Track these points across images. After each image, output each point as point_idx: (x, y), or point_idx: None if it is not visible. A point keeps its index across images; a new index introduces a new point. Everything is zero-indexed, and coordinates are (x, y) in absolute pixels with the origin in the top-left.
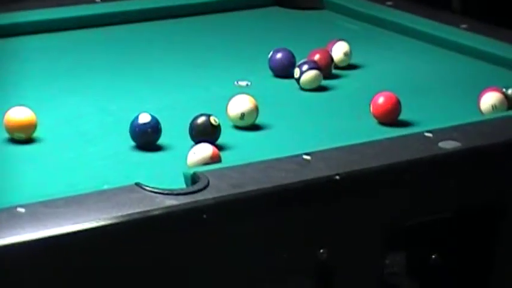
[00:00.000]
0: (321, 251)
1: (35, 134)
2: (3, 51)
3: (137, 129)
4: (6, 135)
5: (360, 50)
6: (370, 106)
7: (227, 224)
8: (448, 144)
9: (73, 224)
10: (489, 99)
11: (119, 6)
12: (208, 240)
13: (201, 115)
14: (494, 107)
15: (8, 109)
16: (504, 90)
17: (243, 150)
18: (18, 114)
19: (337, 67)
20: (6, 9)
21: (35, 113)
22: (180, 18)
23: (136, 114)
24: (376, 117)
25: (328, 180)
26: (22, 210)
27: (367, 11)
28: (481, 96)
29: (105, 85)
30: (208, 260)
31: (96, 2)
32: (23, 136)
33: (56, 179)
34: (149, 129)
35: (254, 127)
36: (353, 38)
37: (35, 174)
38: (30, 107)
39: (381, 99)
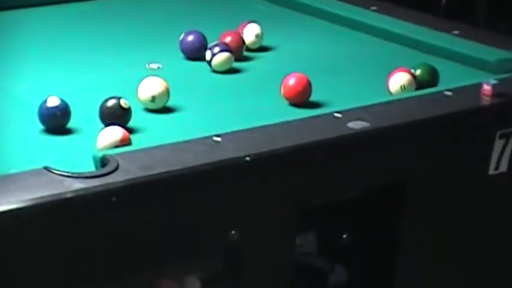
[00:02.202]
0: (232, 232)
1: None
2: None
3: (45, 112)
4: None
5: (271, 32)
6: (281, 87)
7: (136, 206)
8: (357, 125)
9: None
10: (398, 80)
11: None
12: (118, 223)
13: (111, 98)
14: (403, 88)
15: None
16: (413, 70)
17: (154, 133)
18: None
19: (248, 49)
20: None
21: None
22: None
23: (44, 97)
24: (286, 98)
25: (239, 162)
26: None
27: None
28: (390, 76)
29: (13, 68)
30: (118, 243)
31: None
32: None
33: None
34: (58, 112)
35: (165, 110)
36: (264, 20)
37: None
38: None
39: (291, 81)
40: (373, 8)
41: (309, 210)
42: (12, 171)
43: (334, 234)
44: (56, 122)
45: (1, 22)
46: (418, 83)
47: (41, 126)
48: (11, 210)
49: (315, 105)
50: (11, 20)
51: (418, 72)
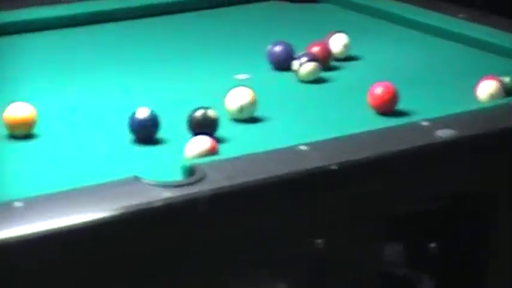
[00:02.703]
0: (318, 241)
1: (34, 130)
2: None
3: (136, 123)
4: (6, 132)
5: (358, 41)
6: (367, 96)
7: (223, 215)
8: (444, 133)
9: (69, 216)
10: (486, 88)
11: (116, 3)
12: (205, 232)
13: (199, 108)
14: (492, 96)
15: (7, 106)
16: (501, 78)
17: (241, 143)
18: (17, 111)
19: (335, 59)
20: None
21: (35, 108)
22: (179, 13)
23: (135, 109)
24: (373, 107)
25: (325, 171)
26: (20, 204)
27: (365, 2)
28: (478, 84)
29: (104, 80)
30: (204, 252)
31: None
32: (22, 132)
33: (55, 173)
34: (147, 123)
35: (252, 119)
36: (351, 29)
37: (34, 169)
38: (30, 103)
39: (377, 90)
40: (461, 15)
41: (396, 219)
42: (103, 180)
43: (422, 244)
44: (146, 132)
45: (92, 39)
46: (507, 91)
47: (131, 137)
48: (102, 219)
49: (402, 113)
50: (101, 35)
51: (506, 79)
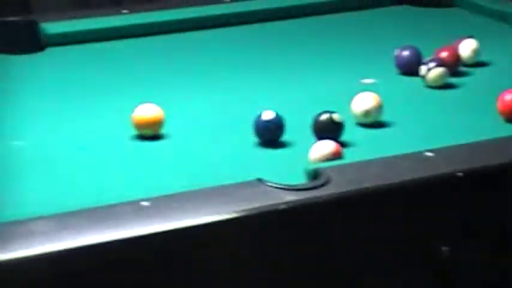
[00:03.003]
0: (443, 248)
1: (162, 131)
2: (131, 50)
3: (261, 125)
4: (135, 132)
5: (487, 46)
6: (496, 103)
7: (346, 220)
8: None
9: (193, 217)
10: None
11: (243, 7)
12: (329, 235)
13: (324, 112)
14: None
15: (137, 106)
16: None
17: (366, 147)
18: (147, 111)
19: (464, 64)
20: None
21: (163, 110)
22: (306, 17)
23: (260, 112)
24: (503, 114)
25: (450, 177)
26: (146, 204)
27: (495, 7)
28: None
29: (230, 83)
30: (327, 256)
31: (223, 2)
32: (150, 132)
33: (180, 173)
34: (272, 126)
35: (378, 124)
36: (481, 34)
37: (161, 169)
38: (157, 104)
39: (508, 96)
40: None
41: None
42: (227, 182)
43: None
44: (270, 135)
45: (219, 42)
46: None
47: (255, 139)
48: (225, 220)
49: None
50: (227, 38)
51: None
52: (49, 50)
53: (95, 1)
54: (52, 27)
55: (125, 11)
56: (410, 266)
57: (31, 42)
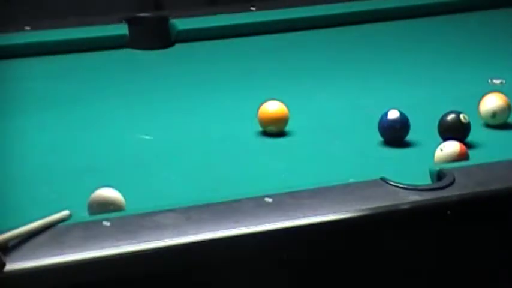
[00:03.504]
0: None
1: (286, 128)
2: (258, 47)
3: (386, 125)
4: (260, 129)
5: None
6: None
7: (471, 222)
8: None
9: (316, 215)
10: None
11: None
12: (451, 237)
13: (451, 112)
14: None
15: (262, 103)
16: None
17: (493, 149)
18: (272, 108)
19: None
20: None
21: (287, 108)
22: (430, 16)
23: (385, 111)
24: None
25: None
26: (269, 200)
27: None
28: None
29: (355, 82)
30: (444, 258)
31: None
32: (274, 129)
33: (303, 170)
34: (398, 125)
35: (506, 126)
36: None
37: (284, 165)
38: (283, 102)
39: None
40: None
41: None
42: (351, 180)
43: None
44: (395, 134)
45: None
46: None
47: (381, 138)
48: (348, 218)
49: None
50: (355, 36)
51: None
52: (178, 46)
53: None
54: (182, 23)
55: (253, 8)
56: None
57: (161, 38)
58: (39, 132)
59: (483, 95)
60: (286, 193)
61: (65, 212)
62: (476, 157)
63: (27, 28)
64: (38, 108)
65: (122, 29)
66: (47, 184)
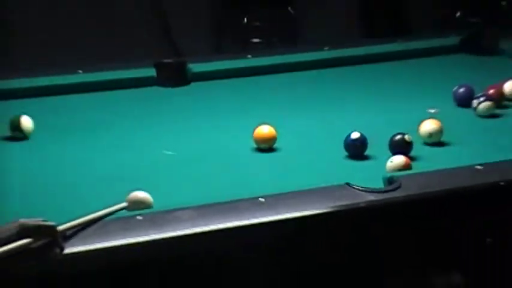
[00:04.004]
0: (488, 240)
1: (275, 145)
2: (255, 85)
3: (350, 143)
4: (255, 146)
5: None
6: None
7: (415, 218)
8: None
9: (298, 211)
10: None
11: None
12: (399, 231)
13: (398, 133)
14: None
15: (257, 126)
16: None
17: (430, 161)
18: (264, 130)
19: (507, 99)
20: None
21: (276, 130)
22: (384, 62)
23: (349, 132)
24: None
25: (495, 185)
26: (263, 200)
27: None
28: None
29: (328, 111)
30: (392, 246)
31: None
32: (266, 146)
33: (288, 177)
34: (358, 143)
35: (440, 144)
36: None
37: (274, 174)
38: (272, 124)
39: None
40: None
41: None
42: (323, 185)
43: None
44: (357, 150)
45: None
46: None
47: (346, 153)
48: (320, 214)
49: None
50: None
51: None
52: (194, 84)
53: (226, 48)
54: (196, 67)
55: (249, 56)
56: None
57: (180, 78)
58: (87, 149)
59: (422, 120)
60: (275, 194)
61: (121, 205)
62: (417, 167)
63: (80, 72)
64: (87, 131)
65: (151, 72)
66: (93, 187)
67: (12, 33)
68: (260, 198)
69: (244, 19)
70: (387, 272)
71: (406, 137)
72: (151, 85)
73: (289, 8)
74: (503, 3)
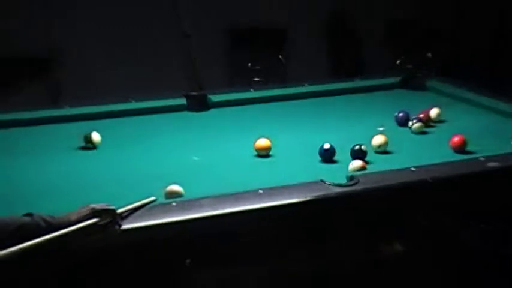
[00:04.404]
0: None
1: (270, 153)
2: (261, 111)
3: (322, 151)
4: (255, 153)
5: (446, 112)
6: (449, 141)
7: (369, 204)
8: (493, 164)
9: (286, 199)
10: None
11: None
12: (357, 213)
13: (356, 145)
14: None
15: (257, 139)
16: None
17: (379, 165)
18: (262, 142)
19: (433, 121)
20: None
21: (271, 142)
22: (340, 95)
23: (322, 143)
24: (452, 148)
25: (425, 181)
26: (261, 191)
27: (451, 91)
28: None
29: (308, 130)
30: (355, 227)
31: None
32: (263, 153)
33: (279, 176)
34: (329, 152)
35: (386, 152)
36: (444, 105)
37: (270, 173)
38: (268, 137)
39: (456, 138)
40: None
41: None
42: (303, 181)
43: None
44: (328, 157)
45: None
46: None
47: (320, 159)
48: (300, 202)
49: (469, 152)
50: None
51: None
52: (213, 110)
53: (236, 84)
54: (214, 97)
55: (252, 90)
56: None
57: (203, 105)
58: (139, 156)
59: (373, 136)
60: (270, 188)
61: (152, 198)
62: (370, 169)
63: (133, 101)
64: (138, 143)
65: (182, 101)
66: (142, 182)
67: (73, 71)
68: (259, 191)
69: (248, 64)
70: (348, 243)
71: (362, 147)
72: (182, 110)
73: (280, 56)
74: (429, 54)
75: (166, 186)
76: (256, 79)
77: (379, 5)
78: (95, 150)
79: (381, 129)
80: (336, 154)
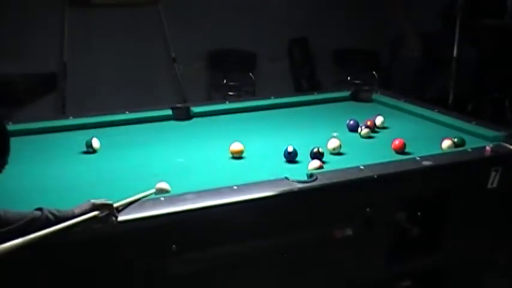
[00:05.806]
0: (367, 209)
1: (243, 155)
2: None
3: (286, 154)
4: (230, 155)
5: (389, 120)
6: (391, 144)
7: (326, 197)
8: (427, 162)
9: (256, 193)
10: (446, 143)
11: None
12: (316, 204)
13: (315, 147)
14: (449, 147)
15: (232, 143)
16: (453, 139)
17: (333, 164)
18: (236, 146)
19: (378, 127)
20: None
21: (244, 145)
22: (302, 106)
23: (286, 147)
24: (394, 150)
25: (371, 178)
26: (235, 187)
27: (394, 103)
28: (442, 142)
29: (275, 136)
30: (313, 217)
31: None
32: (237, 156)
33: (250, 174)
34: (292, 154)
35: (339, 154)
36: (387, 115)
37: (243, 172)
38: (241, 142)
39: (396, 142)
40: (436, 110)
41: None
42: (270, 178)
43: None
44: (291, 158)
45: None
46: (456, 145)
47: (284, 160)
48: (269, 195)
49: (407, 153)
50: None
51: (456, 140)
52: (195, 119)
53: (214, 98)
54: (196, 109)
55: (227, 102)
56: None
57: (186, 115)
58: (132, 159)
59: (328, 140)
60: (243, 184)
61: (152, 190)
62: (326, 167)
63: (127, 112)
64: (133, 148)
65: (169, 112)
66: (136, 180)
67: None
68: (234, 187)
69: (224, 80)
70: (307, 228)
71: (320, 149)
72: (169, 120)
73: (251, 74)
74: (374, 72)
75: (156, 184)
76: (230, 93)
77: (332, 34)
78: (95, 154)
79: (335, 134)
80: (298, 156)
